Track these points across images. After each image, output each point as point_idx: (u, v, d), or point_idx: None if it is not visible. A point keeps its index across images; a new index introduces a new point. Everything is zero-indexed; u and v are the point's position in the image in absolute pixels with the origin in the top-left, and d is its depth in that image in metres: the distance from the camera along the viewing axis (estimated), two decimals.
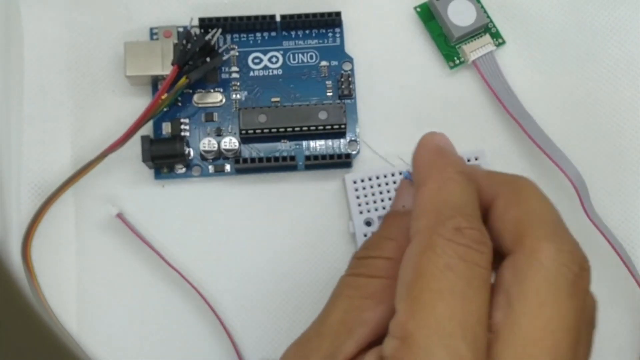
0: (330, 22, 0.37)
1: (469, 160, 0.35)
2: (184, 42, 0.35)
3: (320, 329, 0.26)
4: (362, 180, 0.35)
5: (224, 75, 0.37)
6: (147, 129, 0.35)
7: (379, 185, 0.35)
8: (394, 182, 0.35)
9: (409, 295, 0.24)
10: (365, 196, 0.35)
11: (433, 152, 0.27)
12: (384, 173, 0.35)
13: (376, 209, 0.35)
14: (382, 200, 0.35)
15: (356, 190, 0.35)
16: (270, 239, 0.36)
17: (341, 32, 0.37)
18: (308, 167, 0.36)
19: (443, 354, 0.22)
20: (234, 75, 0.37)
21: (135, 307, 0.35)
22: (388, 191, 0.35)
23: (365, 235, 0.34)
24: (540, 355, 0.23)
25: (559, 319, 0.23)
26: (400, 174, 0.35)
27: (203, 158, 0.36)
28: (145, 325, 0.35)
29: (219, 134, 0.36)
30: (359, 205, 0.35)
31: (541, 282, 0.23)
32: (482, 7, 0.38)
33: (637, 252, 0.36)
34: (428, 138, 0.27)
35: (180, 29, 0.37)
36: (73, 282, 0.35)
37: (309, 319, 0.35)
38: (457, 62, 0.37)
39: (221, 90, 0.36)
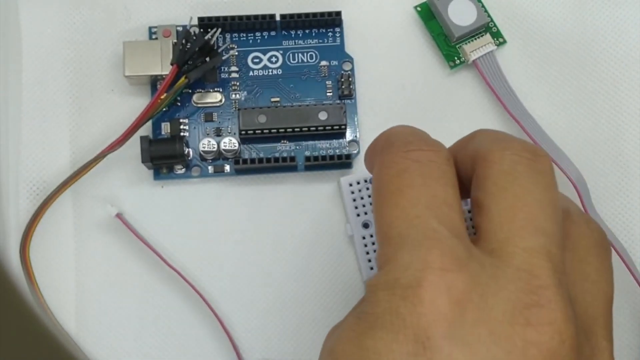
0: (330, 21, 0.37)
1: None
2: (183, 41, 0.35)
3: None
4: (358, 183, 0.35)
5: (223, 75, 0.36)
6: (146, 129, 0.35)
7: None
8: None
9: (376, 206, 0.25)
10: (362, 198, 0.35)
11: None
12: None
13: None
14: None
15: (352, 192, 0.35)
16: (270, 240, 0.36)
17: (341, 32, 0.37)
18: (308, 168, 0.36)
19: (415, 233, 0.23)
20: (234, 75, 0.36)
21: (135, 307, 0.35)
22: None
23: (364, 238, 0.34)
24: (521, 228, 0.24)
25: (525, 194, 0.24)
26: None
27: (202, 158, 0.36)
28: (144, 325, 0.35)
29: (218, 134, 0.36)
30: (356, 207, 0.35)
31: (497, 175, 0.24)
32: (483, 6, 0.37)
33: (638, 252, 0.36)
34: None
35: (180, 29, 0.36)
36: (72, 283, 0.35)
37: (308, 319, 0.35)
38: (458, 61, 0.37)
39: (220, 90, 0.36)
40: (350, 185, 0.35)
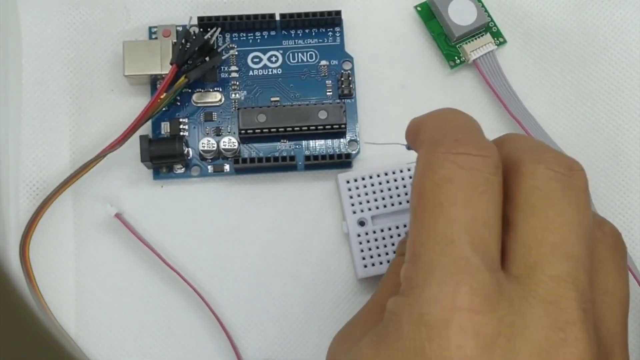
0: (330, 21, 0.37)
1: None
2: (183, 41, 0.35)
3: (369, 307, 0.27)
4: (356, 180, 0.35)
5: (223, 75, 0.36)
6: (146, 129, 0.35)
7: (372, 185, 0.35)
8: (388, 182, 0.35)
9: (413, 218, 0.24)
10: (359, 196, 0.35)
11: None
12: (377, 172, 0.35)
13: (369, 209, 0.35)
14: (376, 200, 0.35)
15: (349, 190, 0.35)
16: (270, 239, 0.35)
17: (341, 31, 0.37)
18: (308, 167, 0.36)
19: (446, 262, 0.22)
20: (233, 74, 0.36)
21: (134, 307, 0.35)
22: (382, 190, 0.35)
23: (359, 235, 0.34)
24: (550, 253, 0.23)
25: (556, 216, 0.23)
26: (401, 171, 0.35)
27: (202, 158, 0.36)
28: (143, 325, 0.35)
29: (218, 133, 0.36)
30: (352, 205, 0.35)
31: (530, 190, 0.23)
32: (483, 6, 0.37)
33: (637, 252, 0.36)
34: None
35: (179, 28, 0.36)
36: (71, 282, 0.35)
37: (308, 319, 0.35)
38: (458, 61, 0.37)
39: (220, 89, 0.36)
40: (348, 182, 0.35)
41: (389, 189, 0.35)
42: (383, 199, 0.34)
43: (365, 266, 0.34)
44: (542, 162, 0.24)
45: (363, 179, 0.35)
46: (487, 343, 0.22)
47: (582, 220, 0.23)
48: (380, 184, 0.35)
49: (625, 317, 0.26)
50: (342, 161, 0.35)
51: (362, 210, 0.35)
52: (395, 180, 0.35)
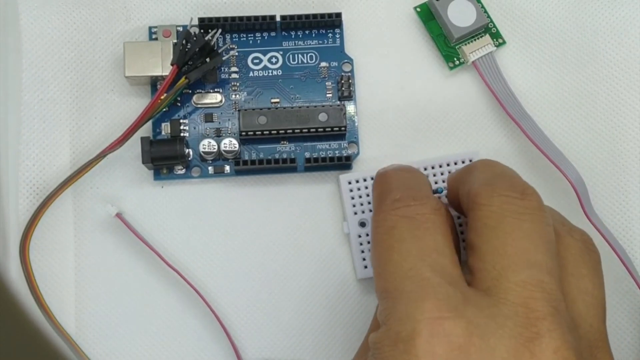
0: (330, 22, 0.37)
1: (462, 162, 0.35)
2: (184, 42, 0.35)
3: (359, 351, 0.30)
4: (357, 181, 0.35)
5: (223, 76, 0.36)
6: (146, 130, 0.35)
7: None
8: None
9: (374, 267, 0.27)
10: (360, 197, 0.35)
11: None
12: None
13: (371, 210, 0.35)
14: None
15: (351, 190, 0.35)
16: (270, 240, 0.36)
17: (341, 33, 0.37)
18: (308, 169, 0.36)
19: (409, 285, 0.24)
20: (234, 75, 0.36)
21: (134, 307, 0.35)
22: None
23: (359, 236, 0.34)
24: (512, 263, 0.24)
25: (513, 231, 0.25)
26: None
27: (202, 159, 0.36)
28: (144, 325, 0.35)
29: (218, 134, 0.36)
30: (354, 206, 0.35)
31: (487, 215, 0.26)
32: (483, 7, 0.37)
33: (637, 254, 0.36)
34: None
35: (180, 29, 0.36)
36: (71, 283, 0.35)
37: (307, 319, 0.35)
38: (457, 62, 0.37)
39: (220, 90, 0.36)
40: (349, 183, 0.35)
41: None
42: None
43: (366, 267, 0.34)
44: (496, 190, 0.26)
45: (364, 180, 0.35)
46: (460, 344, 0.23)
47: (540, 232, 0.25)
48: None
49: (604, 314, 0.27)
50: (342, 163, 0.35)
51: (363, 212, 0.35)
52: None
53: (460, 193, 0.28)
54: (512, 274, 0.24)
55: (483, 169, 0.28)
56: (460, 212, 0.29)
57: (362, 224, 0.35)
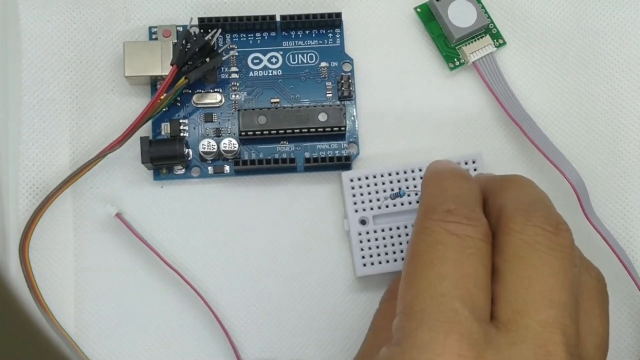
0: (331, 22, 0.37)
1: (465, 164, 0.35)
2: (184, 42, 0.35)
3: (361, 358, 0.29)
4: (359, 179, 0.35)
5: (223, 76, 0.36)
6: (146, 129, 0.35)
7: (376, 185, 0.35)
8: (391, 182, 0.35)
9: (405, 273, 0.25)
10: (362, 195, 0.35)
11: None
12: (382, 172, 0.35)
13: (372, 208, 0.35)
14: (378, 200, 0.35)
15: (352, 188, 0.35)
16: (269, 240, 0.36)
17: (341, 33, 0.37)
18: (307, 169, 0.36)
19: (437, 312, 0.24)
20: (234, 75, 0.36)
21: (134, 307, 0.35)
22: (384, 191, 0.35)
23: (359, 234, 0.34)
24: (536, 300, 0.24)
25: (542, 265, 0.24)
26: (405, 172, 0.35)
27: (202, 159, 0.36)
28: (143, 325, 0.35)
29: (218, 134, 0.36)
30: (355, 203, 0.35)
31: (518, 243, 0.25)
32: (483, 7, 0.37)
33: (637, 255, 0.36)
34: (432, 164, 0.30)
35: (180, 29, 0.36)
36: (71, 282, 0.35)
37: (307, 319, 0.35)
38: (457, 63, 0.37)
39: (220, 90, 0.36)
40: (352, 180, 0.35)
41: (392, 190, 0.35)
42: (386, 199, 0.35)
43: (365, 265, 0.34)
44: (531, 219, 0.25)
45: (367, 177, 0.35)
46: None
47: (568, 272, 0.25)
48: (383, 184, 0.35)
49: (606, 353, 0.27)
50: (342, 163, 0.35)
51: (364, 209, 0.35)
52: (399, 181, 0.35)
53: (490, 205, 0.27)
54: (535, 312, 0.24)
55: (520, 190, 0.27)
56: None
57: (363, 222, 0.35)
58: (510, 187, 0.27)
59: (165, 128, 0.36)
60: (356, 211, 0.35)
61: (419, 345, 0.23)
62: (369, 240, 0.34)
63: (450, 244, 0.25)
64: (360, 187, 0.35)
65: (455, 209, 0.26)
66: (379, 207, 0.35)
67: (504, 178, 0.28)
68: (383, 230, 0.34)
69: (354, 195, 0.35)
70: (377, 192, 0.35)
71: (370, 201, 0.35)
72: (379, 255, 0.34)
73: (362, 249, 0.34)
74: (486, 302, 0.24)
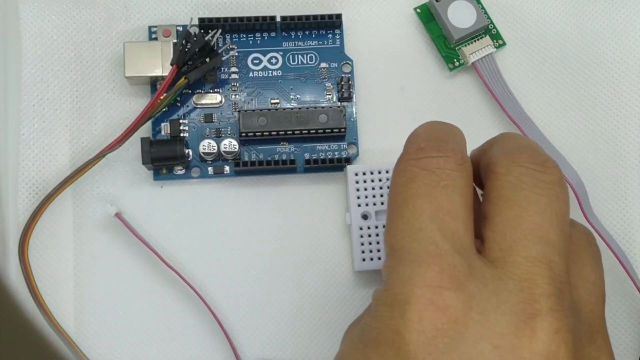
0: (330, 23, 0.37)
1: None
2: (184, 42, 0.35)
3: None
4: (364, 173, 0.35)
5: (223, 76, 0.36)
6: (146, 129, 0.35)
7: (380, 180, 0.35)
8: None
9: (387, 217, 0.26)
10: (365, 189, 0.35)
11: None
12: (387, 168, 0.35)
13: (374, 204, 0.35)
14: (382, 196, 0.35)
15: (357, 182, 0.35)
16: (269, 241, 0.36)
17: (341, 34, 0.37)
18: (307, 170, 0.36)
19: (417, 247, 0.24)
20: (234, 75, 0.36)
21: (133, 307, 0.35)
22: (388, 187, 0.35)
23: (361, 229, 0.35)
24: (524, 237, 0.24)
25: (529, 204, 0.24)
26: None
27: (202, 160, 0.36)
28: (143, 325, 0.35)
29: (218, 135, 0.36)
30: (358, 197, 0.35)
31: (504, 185, 0.25)
32: (483, 8, 0.37)
33: (636, 256, 0.36)
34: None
35: (180, 29, 0.36)
36: (71, 282, 0.35)
37: (307, 319, 0.35)
38: (457, 64, 0.37)
39: (220, 90, 0.36)
40: (356, 174, 0.35)
41: None
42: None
43: (364, 259, 0.34)
44: (516, 160, 0.25)
45: (372, 173, 0.35)
46: (457, 317, 0.23)
47: (556, 209, 0.25)
48: (387, 179, 0.35)
49: (604, 304, 0.27)
50: (342, 164, 0.35)
51: (367, 204, 0.35)
52: None
53: (481, 165, 0.27)
54: (523, 249, 0.24)
55: (506, 140, 0.27)
56: (481, 187, 0.28)
57: (365, 217, 0.35)
58: (497, 142, 0.27)
59: (165, 128, 0.36)
60: (359, 205, 0.35)
61: (400, 281, 0.24)
62: (369, 236, 0.35)
63: (422, 179, 0.25)
64: (365, 181, 0.35)
65: (426, 145, 0.26)
66: (382, 203, 0.35)
67: (493, 137, 0.28)
68: (384, 227, 0.35)
69: (357, 190, 0.35)
70: (380, 188, 0.35)
71: (374, 196, 0.35)
72: (378, 251, 0.34)
73: (362, 244, 0.35)
74: (468, 234, 0.24)
